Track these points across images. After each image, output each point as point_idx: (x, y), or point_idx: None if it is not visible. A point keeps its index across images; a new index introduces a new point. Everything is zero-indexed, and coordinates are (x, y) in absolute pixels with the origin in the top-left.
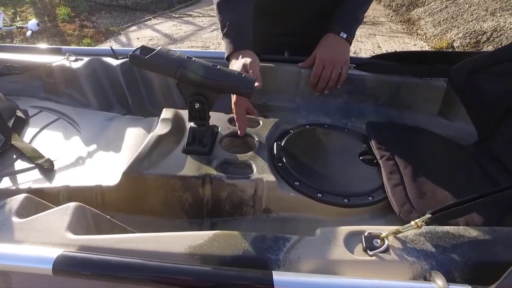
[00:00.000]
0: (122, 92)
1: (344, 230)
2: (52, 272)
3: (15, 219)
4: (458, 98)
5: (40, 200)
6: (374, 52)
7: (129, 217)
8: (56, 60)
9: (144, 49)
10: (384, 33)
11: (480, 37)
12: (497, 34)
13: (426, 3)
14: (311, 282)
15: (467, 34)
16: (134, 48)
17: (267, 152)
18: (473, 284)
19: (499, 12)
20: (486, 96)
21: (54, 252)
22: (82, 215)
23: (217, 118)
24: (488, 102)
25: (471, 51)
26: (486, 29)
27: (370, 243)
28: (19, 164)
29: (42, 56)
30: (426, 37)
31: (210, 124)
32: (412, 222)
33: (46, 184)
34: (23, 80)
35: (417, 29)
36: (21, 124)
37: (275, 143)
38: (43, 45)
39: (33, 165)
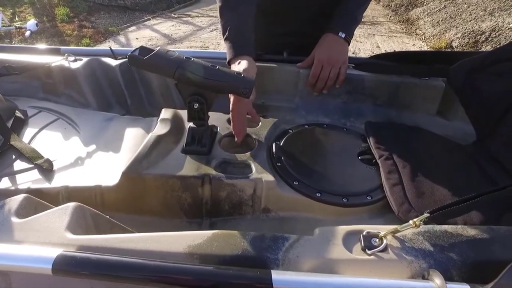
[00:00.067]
0: (121, 93)
1: (343, 229)
2: (51, 272)
3: (14, 219)
4: (456, 98)
5: (40, 200)
6: (373, 52)
7: (129, 217)
8: (55, 61)
9: (143, 50)
10: (383, 33)
11: (478, 37)
12: (495, 34)
13: (425, 3)
14: (310, 281)
15: (465, 34)
16: (133, 49)
17: (266, 152)
18: (471, 283)
19: (497, 12)
20: (484, 96)
21: (53, 252)
22: (81, 215)
23: (216, 118)
24: (487, 102)
25: (469, 51)
26: (485, 29)
27: (369, 242)
28: (18, 165)
29: (41, 57)
30: (425, 37)
31: (209, 124)
32: (411, 221)
33: (45, 185)
34: (22, 81)
35: (416, 29)
36: (20, 125)
37: (274, 143)
38: (42, 46)
39: (32, 166)
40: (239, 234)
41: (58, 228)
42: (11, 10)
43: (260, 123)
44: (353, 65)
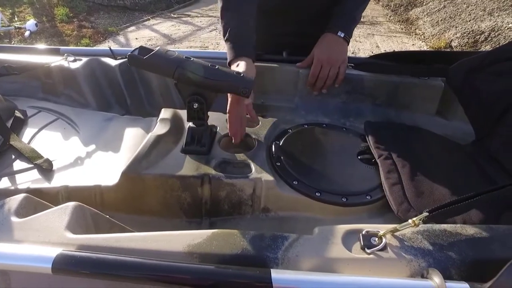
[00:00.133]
0: (120, 92)
1: (342, 228)
2: (51, 271)
3: (14, 219)
4: (456, 98)
5: (39, 200)
6: (372, 52)
7: (128, 217)
8: (55, 61)
9: (142, 50)
10: (383, 33)
11: (478, 37)
12: (495, 34)
13: (424, 3)
14: (309, 280)
15: (465, 34)
16: (133, 49)
17: (265, 152)
18: (470, 281)
19: (496, 12)
20: (483, 95)
21: (53, 251)
22: (81, 214)
23: (215, 118)
24: (486, 101)
25: (469, 51)
26: (484, 29)
27: (368, 241)
28: (18, 164)
29: (41, 57)
30: (424, 37)
31: (209, 124)
32: (410, 220)
33: (45, 184)
34: (21, 81)
35: (415, 29)
36: (19, 125)
37: (274, 143)
38: (41, 46)
39: (32, 165)
40: (238, 233)
41: (58, 228)
42: (10, 10)
43: (259, 123)
44: (352, 65)
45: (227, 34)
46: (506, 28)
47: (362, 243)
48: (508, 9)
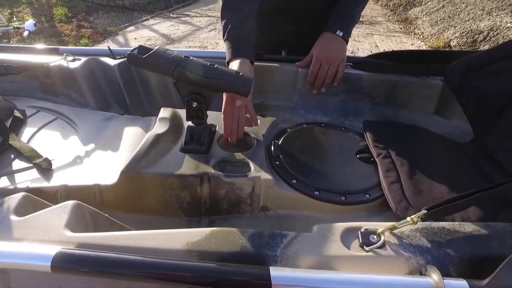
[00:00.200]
0: (120, 92)
1: (341, 226)
2: (50, 269)
3: (13, 218)
4: (454, 97)
5: (38, 198)
6: (371, 52)
7: (127, 216)
8: (54, 60)
9: (141, 49)
10: (382, 32)
11: (476, 36)
12: (493, 33)
13: (423, 3)
14: (308, 277)
15: (464, 34)
16: (132, 48)
17: (264, 151)
18: (468, 278)
19: (495, 12)
20: (481, 94)
21: (52, 250)
22: (80, 213)
23: (214, 117)
24: (484, 100)
25: (467, 50)
26: (483, 28)
27: (367, 239)
28: (17, 164)
29: (40, 56)
30: (423, 36)
31: (208, 123)
32: (408, 218)
33: (44, 184)
34: (20, 80)
35: (414, 29)
36: (18, 124)
37: (273, 142)
38: (40, 45)
39: (31, 165)
40: (237, 231)
41: (57, 226)
42: (9, 10)
43: (258, 123)
44: (351, 64)
45: (226, 34)
46: (505, 27)
47: (360, 241)
48: (507, 9)
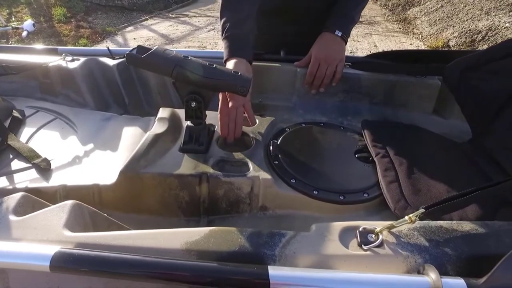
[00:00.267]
0: (118, 92)
1: (339, 225)
2: (49, 269)
3: (12, 217)
4: (452, 96)
5: (37, 198)
6: (370, 51)
7: (126, 216)
8: (53, 61)
9: (140, 49)
10: (381, 32)
11: (475, 36)
12: (492, 33)
13: (422, 3)
14: (306, 276)
15: (462, 33)
16: (131, 48)
17: (263, 150)
18: (466, 277)
19: (493, 12)
20: (480, 94)
21: (51, 249)
22: (79, 213)
23: (213, 117)
24: (482, 100)
25: (466, 50)
26: (481, 28)
27: (365, 238)
28: (16, 164)
29: (38, 57)
30: (422, 36)
31: (207, 123)
32: (406, 217)
33: (43, 184)
34: (19, 81)
35: (413, 28)
36: (17, 124)
37: (272, 141)
38: (39, 46)
39: (30, 165)
40: (236, 230)
41: (56, 226)
42: (7, 10)
43: (257, 123)
44: (349, 64)
45: (225, 33)
46: (503, 27)
47: (359, 240)
48: (505, 9)
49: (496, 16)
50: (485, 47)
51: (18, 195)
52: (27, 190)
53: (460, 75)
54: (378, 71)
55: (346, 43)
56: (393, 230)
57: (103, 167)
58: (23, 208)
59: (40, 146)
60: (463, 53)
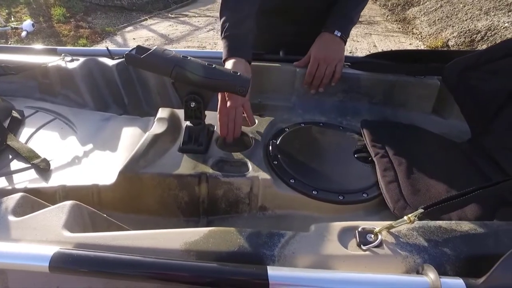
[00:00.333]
0: (118, 92)
1: (338, 225)
2: (48, 270)
3: (11, 218)
4: (452, 96)
5: (36, 199)
6: (370, 51)
7: (126, 216)
8: (52, 61)
9: (139, 49)
10: (380, 32)
11: (474, 36)
12: (491, 33)
13: (421, 3)
14: (305, 276)
15: (461, 33)
16: (130, 48)
17: (262, 151)
18: (465, 277)
19: (493, 12)
20: (479, 94)
21: (50, 250)
22: (78, 213)
23: (212, 117)
24: (481, 100)
25: (465, 50)
26: (481, 28)
27: (364, 238)
28: (15, 164)
29: (38, 57)
30: (421, 36)
31: (206, 123)
32: (405, 217)
33: (42, 184)
34: (18, 81)
35: (412, 28)
36: (17, 125)
37: (271, 142)
38: (38, 46)
39: (29, 165)
40: (235, 231)
41: (55, 226)
42: (6, 10)
43: (256, 123)
44: (349, 64)
45: (224, 33)
46: (502, 27)
47: (358, 240)
48: (504, 9)
49: (495, 16)
50: (484, 47)
51: (17, 195)
52: (26, 190)
53: (459, 75)
54: (377, 71)
55: (345, 43)
56: (392, 230)
57: (103, 167)
58: (22, 209)
59: (39, 147)
60: (462, 53)
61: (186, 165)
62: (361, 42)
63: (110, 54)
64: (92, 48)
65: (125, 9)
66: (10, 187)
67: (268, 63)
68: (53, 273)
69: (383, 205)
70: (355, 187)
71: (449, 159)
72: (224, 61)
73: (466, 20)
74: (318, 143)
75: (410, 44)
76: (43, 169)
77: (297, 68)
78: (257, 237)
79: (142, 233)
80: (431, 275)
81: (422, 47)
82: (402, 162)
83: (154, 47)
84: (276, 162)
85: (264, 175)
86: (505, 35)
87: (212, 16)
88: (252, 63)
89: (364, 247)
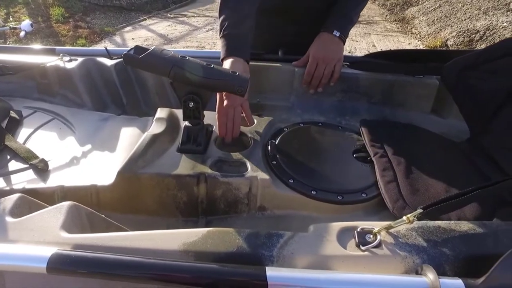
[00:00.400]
0: (116, 92)
1: (337, 226)
2: (46, 271)
3: (8, 219)
4: (450, 96)
5: (34, 199)
6: (369, 51)
7: (124, 217)
8: (50, 61)
9: (138, 49)
10: (379, 32)
11: (473, 35)
12: (490, 32)
13: (420, 2)
14: (304, 277)
15: (460, 33)
16: (129, 48)
17: (261, 151)
18: (464, 277)
19: (491, 11)
20: (477, 93)
21: (48, 251)
22: (76, 214)
23: (211, 117)
24: (480, 99)
25: (464, 50)
26: (479, 28)
27: (363, 239)
28: (13, 165)
29: (36, 57)
30: (420, 36)
31: (205, 123)
32: (404, 217)
33: (40, 184)
34: (16, 81)
35: (411, 28)
36: (15, 125)
37: (270, 141)
38: (37, 46)
39: (28, 166)
40: (234, 231)
41: (53, 227)
42: (5, 10)
43: (255, 123)
44: (348, 63)
45: (223, 32)
46: (501, 27)
47: (357, 240)
48: (503, 8)
49: (494, 16)
50: (483, 46)
51: (14, 196)
52: (24, 191)
53: (458, 74)
54: (376, 70)
55: (344, 43)
56: (391, 230)
57: (101, 167)
58: (19, 210)
59: (37, 147)
60: (461, 53)
61: (185, 165)
62: (360, 42)
63: (108, 54)
64: (90, 48)
65: (124, 9)
66: (8, 188)
67: (267, 63)
68: (51, 274)
69: (382, 205)
70: (354, 187)
71: (448, 159)
72: (222, 60)
73: (465, 19)
74: (317, 143)
75: (409, 43)
76: (41, 169)
77: (296, 68)
78: (256, 237)
79: (140, 233)
80: (430, 275)
81: (421, 47)
82: (401, 162)
83: (153, 47)
84: (275, 162)
85: (263, 175)
86: (504, 34)
87: (211, 16)
88: (251, 63)
89: (363, 248)
